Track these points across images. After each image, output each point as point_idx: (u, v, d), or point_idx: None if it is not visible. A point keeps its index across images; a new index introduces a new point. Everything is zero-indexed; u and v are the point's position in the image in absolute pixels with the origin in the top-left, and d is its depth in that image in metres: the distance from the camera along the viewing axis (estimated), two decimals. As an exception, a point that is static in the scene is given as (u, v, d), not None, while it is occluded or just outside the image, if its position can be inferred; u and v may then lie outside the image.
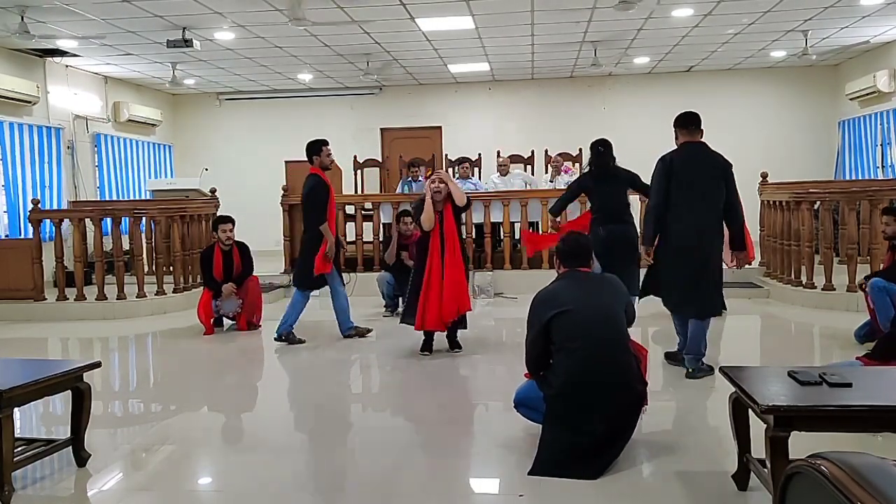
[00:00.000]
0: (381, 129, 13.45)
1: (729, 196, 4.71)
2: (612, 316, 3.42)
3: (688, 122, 4.83)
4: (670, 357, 5.20)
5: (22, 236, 9.39)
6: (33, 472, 3.44)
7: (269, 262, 9.38)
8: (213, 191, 9.71)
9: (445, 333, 5.78)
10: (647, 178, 9.61)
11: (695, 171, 4.69)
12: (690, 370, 4.82)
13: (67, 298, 8.12)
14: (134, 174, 12.41)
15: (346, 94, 13.41)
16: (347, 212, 9.58)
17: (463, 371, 5.46)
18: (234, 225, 7.12)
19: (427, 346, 5.78)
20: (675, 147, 4.91)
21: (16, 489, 3.15)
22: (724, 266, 4.91)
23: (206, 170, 11.64)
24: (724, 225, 4.78)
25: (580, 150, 10.94)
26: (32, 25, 8.14)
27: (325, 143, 6.36)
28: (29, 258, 8.12)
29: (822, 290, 7.38)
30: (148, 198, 10.88)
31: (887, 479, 1.31)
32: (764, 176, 8.95)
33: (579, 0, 8.20)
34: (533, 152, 11.00)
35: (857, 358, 4.68)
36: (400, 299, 7.27)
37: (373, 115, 13.40)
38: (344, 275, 9.14)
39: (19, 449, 3.32)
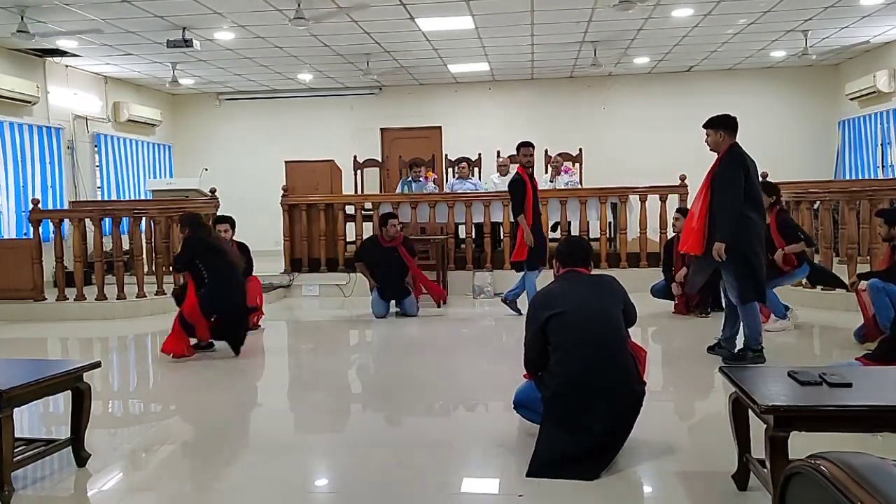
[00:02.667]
0: (381, 129, 13.43)
1: None
2: (609, 316, 3.42)
3: (735, 125, 5.12)
4: (716, 349, 5.29)
5: (22, 236, 9.39)
6: (33, 472, 3.44)
7: (269, 262, 9.36)
8: (212, 191, 9.69)
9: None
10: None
11: (752, 168, 5.01)
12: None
13: (67, 298, 8.12)
14: (134, 174, 12.41)
15: (346, 94, 13.40)
16: (347, 212, 9.59)
17: (463, 371, 5.47)
18: (231, 226, 6.90)
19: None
20: (715, 147, 5.11)
21: (16, 489, 3.15)
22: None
23: (206, 170, 11.64)
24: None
25: (580, 150, 10.96)
26: (32, 25, 8.14)
27: (524, 144, 7.29)
28: (29, 258, 8.12)
29: (822, 290, 7.38)
30: (148, 198, 10.88)
31: (887, 479, 1.31)
32: (764, 176, 8.92)
33: (579, 0, 8.21)
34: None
35: (857, 358, 4.68)
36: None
37: (373, 115, 13.39)
38: (343, 275, 9.25)
39: (19, 449, 3.31)
